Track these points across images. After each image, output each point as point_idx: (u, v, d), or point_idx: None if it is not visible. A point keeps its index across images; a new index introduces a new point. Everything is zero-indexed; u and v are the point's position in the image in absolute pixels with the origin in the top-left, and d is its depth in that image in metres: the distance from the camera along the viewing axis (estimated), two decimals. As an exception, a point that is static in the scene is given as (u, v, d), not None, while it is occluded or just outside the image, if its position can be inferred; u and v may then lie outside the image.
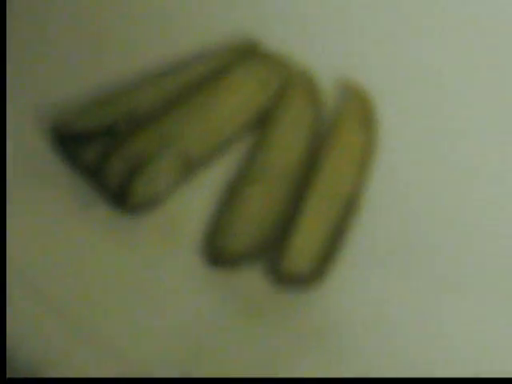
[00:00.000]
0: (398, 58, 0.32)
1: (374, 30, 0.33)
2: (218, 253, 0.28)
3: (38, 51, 0.30)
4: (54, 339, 0.25)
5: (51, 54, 0.30)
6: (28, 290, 0.27)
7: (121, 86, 0.30)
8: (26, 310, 0.26)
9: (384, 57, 0.32)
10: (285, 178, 0.29)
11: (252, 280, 0.28)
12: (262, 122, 0.30)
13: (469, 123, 0.32)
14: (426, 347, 0.28)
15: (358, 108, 0.31)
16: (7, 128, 0.28)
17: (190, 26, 0.31)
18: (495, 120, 0.32)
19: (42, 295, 0.27)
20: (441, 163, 0.31)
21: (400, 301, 0.29)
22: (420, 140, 0.31)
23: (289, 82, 0.31)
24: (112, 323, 0.27)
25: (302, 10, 0.33)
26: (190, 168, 0.29)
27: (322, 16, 0.33)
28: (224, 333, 0.28)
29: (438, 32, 0.33)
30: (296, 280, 0.28)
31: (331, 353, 0.28)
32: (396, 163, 0.31)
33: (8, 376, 0.25)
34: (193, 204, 0.29)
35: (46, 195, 0.28)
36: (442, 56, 0.33)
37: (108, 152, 0.29)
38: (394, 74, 0.32)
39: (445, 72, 0.33)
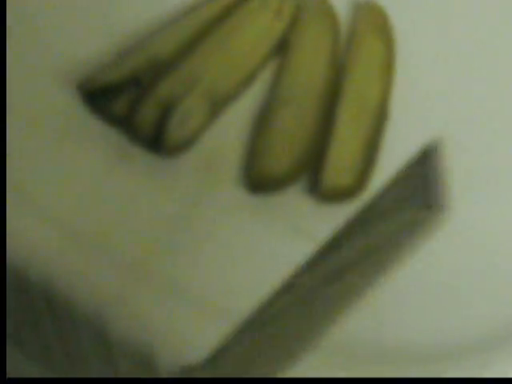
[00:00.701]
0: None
1: None
2: (259, 179, 0.29)
3: (55, 13, 0.31)
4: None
5: (70, 13, 0.31)
6: (82, 241, 0.28)
7: (140, 36, 0.31)
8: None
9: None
10: (313, 97, 0.30)
11: (296, 200, 0.29)
12: (283, 49, 0.31)
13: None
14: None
15: (373, 20, 0.31)
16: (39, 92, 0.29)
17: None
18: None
19: (92, 241, 0.28)
20: (455, 62, 0.32)
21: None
22: (435, 43, 0.32)
23: (303, 6, 0.32)
24: (161, 260, 0.28)
25: None
26: (218, 104, 0.30)
27: None
28: (276, 255, 0.28)
29: None
30: (339, 193, 0.29)
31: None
32: (415, 68, 0.31)
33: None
34: (227, 137, 0.30)
35: (86, 150, 0.29)
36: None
37: (137, 100, 0.29)
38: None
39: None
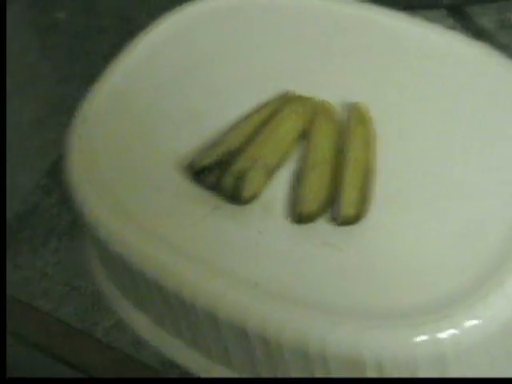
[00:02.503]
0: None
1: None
2: (300, 215, 0.47)
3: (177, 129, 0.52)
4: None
5: (183, 126, 0.52)
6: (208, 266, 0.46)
7: (220, 134, 0.50)
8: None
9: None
10: (328, 164, 0.48)
11: (323, 227, 0.47)
12: (306, 136, 0.50)
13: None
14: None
15: (359, 115, 0.51)
16: (164, 173, 0.49)
17: (253, 92, 0.53)
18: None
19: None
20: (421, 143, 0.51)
21: (405, 224, 0.47)
22: (398, 126, 0.51)
23: (316, 111, 0.51)
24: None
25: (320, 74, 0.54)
26: (270, 172, 0.49)
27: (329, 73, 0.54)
28: (314, 260, 0.46)
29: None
30: (349, 220, 0.47)
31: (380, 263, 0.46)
32: (391, 143, 0.50)
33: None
34: (277, 191, 0.48)
35: (193, 204, 0.48)
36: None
37: (222, 174, 0.48)
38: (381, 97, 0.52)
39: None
